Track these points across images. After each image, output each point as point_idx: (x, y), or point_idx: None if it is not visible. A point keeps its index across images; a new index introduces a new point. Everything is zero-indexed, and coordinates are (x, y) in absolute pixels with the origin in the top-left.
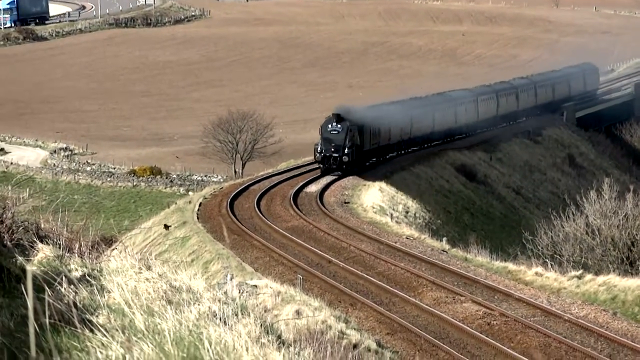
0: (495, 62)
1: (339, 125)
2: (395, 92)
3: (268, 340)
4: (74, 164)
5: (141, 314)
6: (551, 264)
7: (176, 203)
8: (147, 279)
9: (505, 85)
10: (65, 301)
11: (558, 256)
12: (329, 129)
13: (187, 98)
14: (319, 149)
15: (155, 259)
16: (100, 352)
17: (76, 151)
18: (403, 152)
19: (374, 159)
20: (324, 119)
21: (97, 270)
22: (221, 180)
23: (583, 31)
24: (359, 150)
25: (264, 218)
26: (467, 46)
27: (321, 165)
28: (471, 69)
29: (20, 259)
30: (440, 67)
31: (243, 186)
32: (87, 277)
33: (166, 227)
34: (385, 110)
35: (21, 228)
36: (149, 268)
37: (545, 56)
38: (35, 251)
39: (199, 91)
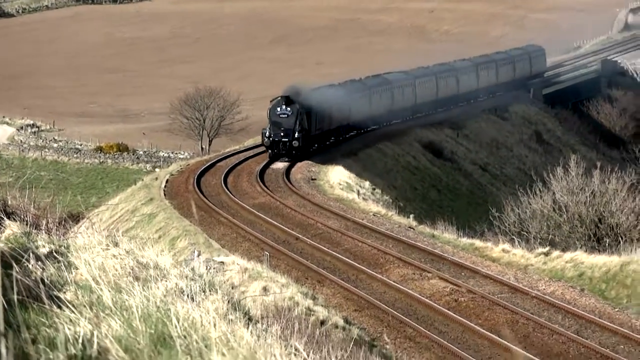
0: (464, 39)
1: (288, 109)
2: (365, 70)
3: (236, 317)
4: (41, 140)
5: (109, 291)
6: (518, 241)
7: (143, 180)
8: (114, 256)
9: (445, 67)
10: (33, 277)
11: (525, 233)
12: (277, 112)
13: (155, 74)
14: (267, 133)
15: (123, 235)
16: (69, 329)
17: (43, 128)
18: (341, 138)
19: (315, 146)
20: (273, 100)
21: (65, 246)
22: (188, 157)
23: (553, 8)
24: (307, 135)
25: (231, 195)
26: (435, 23)
27: (269, 151)
28: (439, 46)
29: None
30: (410, 44)
31: (210, 163)
32: (54, 253)
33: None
34: (330, 94)
35: None
36: (116, 245)
37: (513, 33)
38: (3, 228)
39: (166, 67)
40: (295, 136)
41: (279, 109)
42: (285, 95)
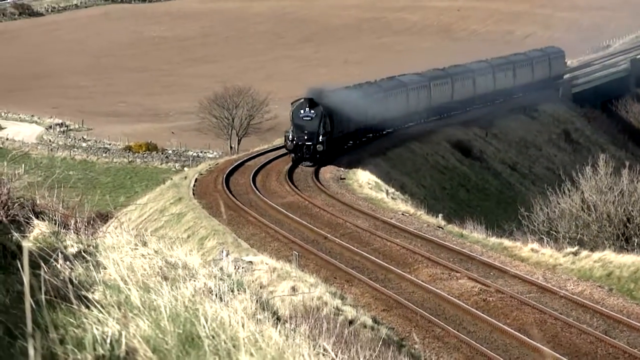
0: (491, 38)
1: (312, 111)
2: (391, 69)
3: (264, 317)
4: (70, 139)
5: (137, 290)
6: (547, 240)
7: (172, 179)
8: (142, 255)
9: (461, 69)
10: (61, 277)
11: (554, 232)
12: (300, 115)
13: (183, 74)
14: (290, 136)
15: (151, 235)
16: (97, 329)
17: (72, 127)
18: (358, 141)
19: (338, 148)
20: (296, 102)
21: (93, 246)
22: (217, 156)
23: (576, 7)
24: (330, 138)
25: (259, 194)
26: (461, 22)
27: (292, 155)
28: (466, 45)
29: (16, 235)
30: (435, 43)
31: (239, 162)
32: (82, 253)
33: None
34: (349, 96)
35: (17, 204)
36: (144, 244)
37: (541, 32)
38: (31, 227)
39: (194, 67)
40: (320, 140)
41: (302, 111)
42: (309, 98)
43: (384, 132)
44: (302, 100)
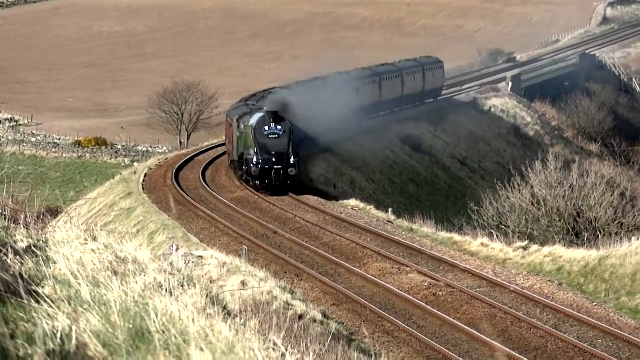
0: (440, 33)
1: (278, 127)
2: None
3: (214, 311)
4: (19, 134)
5: (87, 285)
6: (497, 235)
7: (121, 174)
8: (92, 250)
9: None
10: (11, 272)
11: (504, 227)
12: (265, 132)
13: (132, 69)
14: (253, 159)
15: (101, 230)
16: (47, 323)
17: (21, 122)
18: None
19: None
20: (249, 116)
21: (43, 241)
22: (166, 151)
23: (526, 2)
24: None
25: (209, 189)
26: (412, 17)
27: (257, 182)
28: (417, 40)
29: None
30: (385, 38)
31: (188, 157)
32: (32, 248)
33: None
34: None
35: None
36: (94, 239)
37: (490, 27)
38: None
39: (144, 62)
40: (291, 162)
41: (266, 128)
42: (273, 111)
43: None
44: (261, 114)
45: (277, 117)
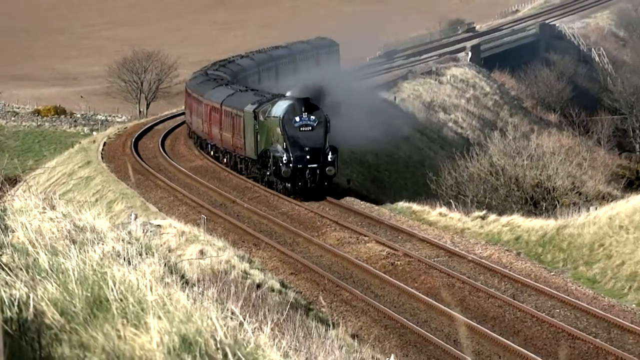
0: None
1: (312, 117)
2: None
3: (172, 280)
4: None
5: (45, 254)
6: (455, 205)
7: (80, 143)
8: (51, 219)
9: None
10: None
11: (462, 196)
12: (295, 124)
13: (99, 36)
14: (284, 157)
15: (59, 198)
16: (4, 291)
17: None
18: None
19: None
20: (269, 105)
21: (1, 210)
22: (125, 120)
23: None
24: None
25: (168, 158)
26: None
27: (288, 184)
28: (394, 10)
29: None
30: (356, 7)
31: (147, 126)
32: None
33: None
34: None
35: None
36: (53, 208)
37: None
38: None
39: (111, 29)
40: (329, 159)
41: (297, 118)
42: (304, 97)
43: None
44: (290, 101)
45: (309, 105)
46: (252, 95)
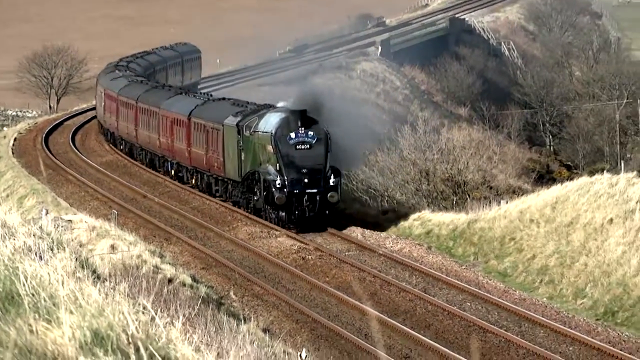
0: None
1: (310, 133)
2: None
3: (84, 275)
4: None
5: None
6: (365, 199)
7: None
8: None
9: None
10: None
11: (372, 190)
12: (291, 142)
13: (3, 33)
14: (276, 181)
15: None
16: None
17: None
18: None
19: None
20: (256, 117)
21: None
22: (36, 115)
23: None
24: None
25: (78, 153)
26: None
27: (282, 213)
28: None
29: None
30: (261, 3)
31: (58, 121)
32: None
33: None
34: None
35: None
36: None
37: None
38: None
39: (14, 26)
40: (331, 183)
41: (292, 134)
42: (301, 110)
43: None
44: (282, 115)
45: (306, 118)
46: (230, 105)
